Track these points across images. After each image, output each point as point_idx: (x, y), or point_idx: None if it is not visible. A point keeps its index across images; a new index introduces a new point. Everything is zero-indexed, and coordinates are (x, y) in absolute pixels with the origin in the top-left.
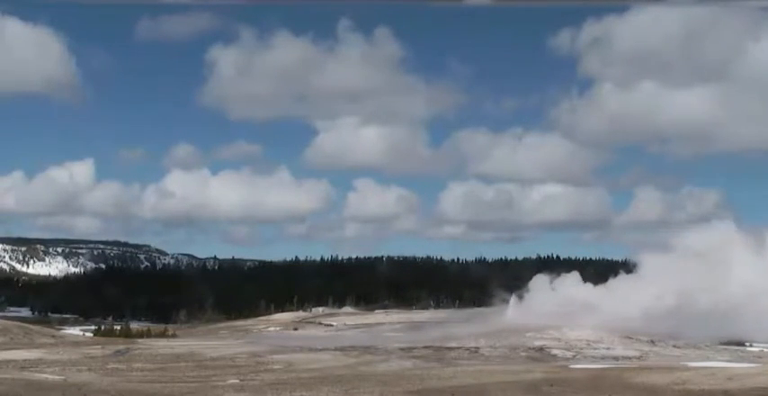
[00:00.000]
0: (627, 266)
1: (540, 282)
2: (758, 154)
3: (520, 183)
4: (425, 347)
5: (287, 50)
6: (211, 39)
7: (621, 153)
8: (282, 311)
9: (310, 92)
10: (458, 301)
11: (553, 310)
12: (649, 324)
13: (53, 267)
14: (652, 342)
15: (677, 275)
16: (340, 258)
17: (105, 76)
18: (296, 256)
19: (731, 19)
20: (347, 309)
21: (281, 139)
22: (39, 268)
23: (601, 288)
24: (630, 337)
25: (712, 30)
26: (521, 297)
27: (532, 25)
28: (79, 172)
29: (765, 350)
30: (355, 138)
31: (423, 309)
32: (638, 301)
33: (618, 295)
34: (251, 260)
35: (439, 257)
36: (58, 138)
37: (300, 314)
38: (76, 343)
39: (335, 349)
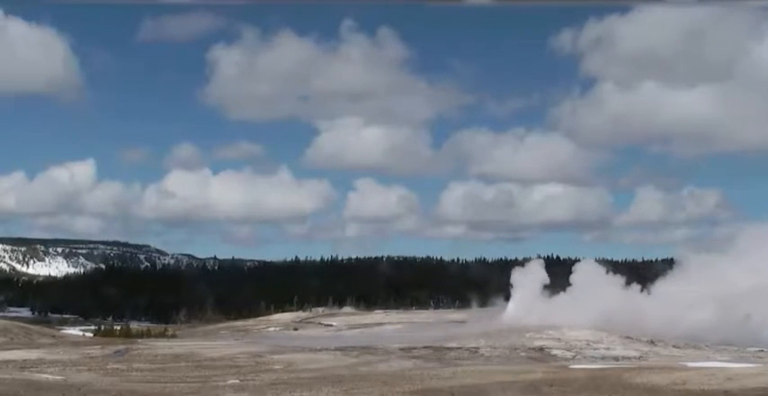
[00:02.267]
0: (628, 267)
1: (588, 271)
2: (760, 154)
3: (521, 183)
4: (425, 347)
5: (290, 50)
6: (214, 39)
7: (623, 153)
8: (282, 312)
9: (312, 92)
10: (458, 301)
11: (605, 309)
12: (712, 334)
13: (53, 267)
14: (652, 342)
15: (739, 278)
16: (340, 258)
17: (107, 76)
18: (296, 257)
19: (733, 19)
20: (347, 309)
21: (283, 140)
22: (39, 268)
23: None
24: (630, 337)
25: (714, 30)
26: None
27: (534, 25)
28: (80, 172)
29: (765, 350)
30: (357, 138)
31: (423, 309)
32: (695, 308)
33: (666, 300)
34: (251, 260)
35: (439, 257)
36: (59, 138)
37: (300, 314)
38: (76, 343)
39: (335, 349)
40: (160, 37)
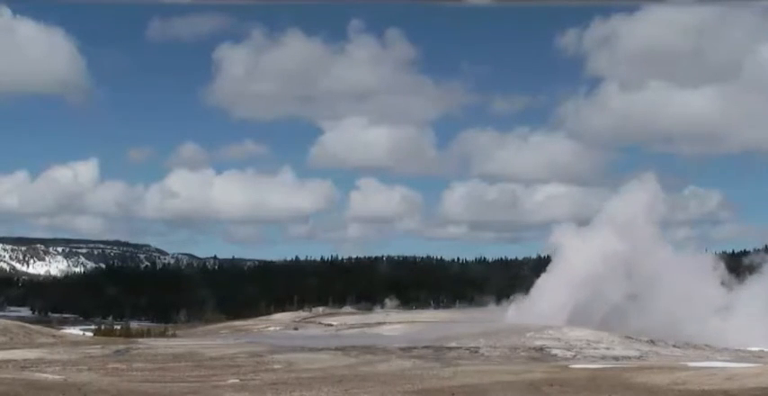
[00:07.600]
0: None
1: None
2: (764, 155)
3: (524, 183)
4: (425, 347)
5: (296, 50)
6: (221, 38)
7: (627, 153)
8: (282, 311)
9: (317, 92)
10: (458, 301)
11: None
12: None
13: (53, 267)
14: (652, 342)
15: None
16: (340, 258)
17: (112, 76)
18: (296, 256)
19: (739, 19)
20: (347, 309)
21: (287, 139)
22: (39, 268)
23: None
24: (630, 337)
25: (720, 30)
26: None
27: (540, 25)
28: (83, 171)
29: (765, 350)
30: (360, 138)
31: (423, 308)
32: None
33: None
34: (251, 260)
35: (439, 257)
36: (62, 137)
37: (300, 314)
38: (76, 343)
39: (335, 349)
40: (168, 37)
